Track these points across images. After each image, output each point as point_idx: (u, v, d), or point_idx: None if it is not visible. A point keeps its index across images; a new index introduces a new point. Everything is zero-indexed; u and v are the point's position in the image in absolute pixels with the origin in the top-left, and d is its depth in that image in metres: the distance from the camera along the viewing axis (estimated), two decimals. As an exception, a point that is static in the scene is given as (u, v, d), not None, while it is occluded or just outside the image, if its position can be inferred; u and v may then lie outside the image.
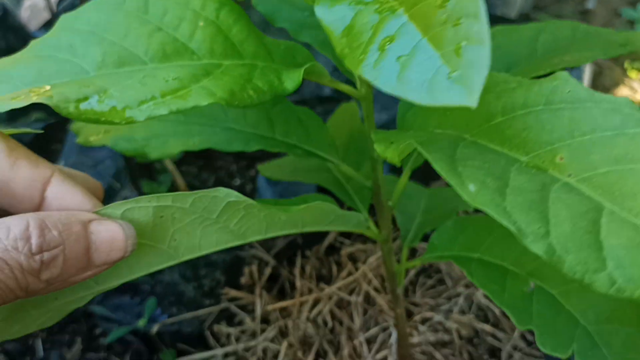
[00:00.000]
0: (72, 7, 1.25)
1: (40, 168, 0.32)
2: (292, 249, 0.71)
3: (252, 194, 0.81)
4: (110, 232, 0.30)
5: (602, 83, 1.25)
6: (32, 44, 0.32)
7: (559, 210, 0.26)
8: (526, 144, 0.31)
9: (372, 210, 0.52)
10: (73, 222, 0.29)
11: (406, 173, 0.48)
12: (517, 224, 0.26)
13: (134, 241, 0.31)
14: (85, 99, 0.30)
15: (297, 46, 0.40)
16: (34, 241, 0.27)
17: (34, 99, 0.29)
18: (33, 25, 1.36)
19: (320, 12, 0.31)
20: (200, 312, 0.68)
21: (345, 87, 0.41)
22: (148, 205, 0.31)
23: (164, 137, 0.47)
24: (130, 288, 0.69)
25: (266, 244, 0.70)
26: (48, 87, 0.30)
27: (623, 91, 1.20)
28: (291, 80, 0.35)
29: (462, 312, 0.65)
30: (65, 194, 0.32)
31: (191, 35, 0.34)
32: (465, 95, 0.23)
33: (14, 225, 0.27)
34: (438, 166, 0.28)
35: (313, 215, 0.37)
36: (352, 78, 0.44)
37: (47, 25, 1.27)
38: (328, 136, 0.47)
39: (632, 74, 1.22)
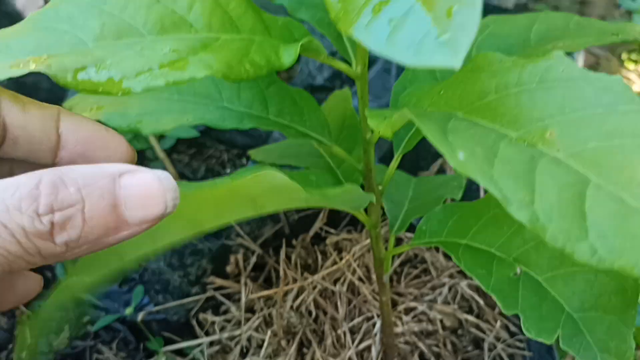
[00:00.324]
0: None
1: (47, 107, 0.32)
2: (278, 238, 0.71)
3: (242, 184, 0.81)
4: (143, 186, 0.26)
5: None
6: (31, 16, 0.32)
7: (545, 180, 0.27)
8: (517, 120, 0.31)
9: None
10: (99, 175, 0.25)
11: (397, 158, 0.48)
12: (503, 192, 0.26)
13: (174, 194, 0.27)
14: (83, 68, 0.30)
15: (294, 22, 0.40)
16: (43, 200, 0.24)
17: (33, 68, 0.29)
18: (28, 11, 1.35)
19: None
20: (186, 300, 0.68)
21: (340, 65, 0.41)
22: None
23: (158, 113, 0.47)
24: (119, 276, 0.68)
25: (253, 233, 0.70)
26: (46, 56, 0.30)
27: (620, 81, 1.20)
28: (288, 55, 0.35)
29: (447, 302, 0.65)
30: (78, 126, 0.32)
31: (189, 8, 0.34)
32: (450, 56, 0.23)
33: (24, 183, 0.24)
34: (429, 134, 0.28)
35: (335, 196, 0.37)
36: (347, 58, 0.44)
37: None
38: (322, 118, 0.47)
39: (629, 64, 1.22)
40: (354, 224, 0.74)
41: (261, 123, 0.46)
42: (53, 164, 0.32)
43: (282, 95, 0.48)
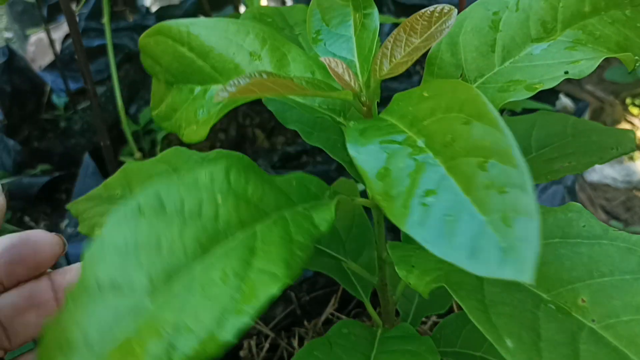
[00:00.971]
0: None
1: None
2: (289, 319, 0.69)
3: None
4: None
5: (603, 119, 1.23)
6: (74, 291, 0.28)
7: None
8: (546, 279, 0.30)
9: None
10: None
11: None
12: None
13: None
14: (173, 347, 0.26)
15: (306, 176, 0.39)
16: None
17: None
18: (39, 60, 1.33)
19: (352, 150, 0.29)
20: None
21: (361, 201, 0.39)
22: None
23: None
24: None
25: (264, 314, 0.68)
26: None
27: (624, 127, 1.19)
28: (324, 221, 0.33)
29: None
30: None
31: (215, 215, 0.32)
32: (519, 271, 0.22)
33: None
34: (474, 317, 0.28)
35: None
36: (363, 183, 0.42)
37: (52, 65, 1.25)
38: (336, 233, 0.46)
39: (634, 110, 1.21)
40: (366, 310, 0.71)
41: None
42: None
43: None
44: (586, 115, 1.01)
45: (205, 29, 0.39)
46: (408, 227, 0.25)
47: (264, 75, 0.31)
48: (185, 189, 0.33)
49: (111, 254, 0.29)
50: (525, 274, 0.21)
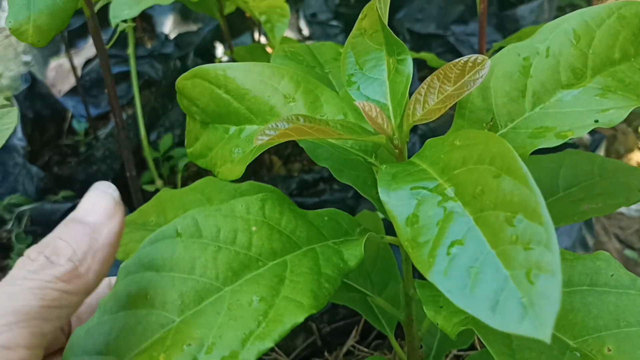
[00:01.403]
0: (97, 73, 1.24)
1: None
2: (310, 349, 0.69)
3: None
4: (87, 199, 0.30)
5: (616, 148, 1.24)
6: (103, 301, 0.30)
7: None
8: (573, 326, 0.31)
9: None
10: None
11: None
12: None
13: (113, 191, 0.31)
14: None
15: (337, 212, 0.40)
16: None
17: None
18: (59, 85, 1.35)
19: (383, 194, 0.31)
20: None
21: (390, 239, 0.40)
22: None
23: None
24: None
25: (285, 344, 0.69)
26: None
27: (637, 156, 1.18)
28: (354, 257, 0.35)
29: None
30: None
31: (249, 243, 0.34)
32: (537, 327, 0.22)
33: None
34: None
35: None
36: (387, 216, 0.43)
37: (73, 91, 1.27)
38: (364, 269, 0.47)
39: None
40: (386, 341, 0.71)
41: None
42: None
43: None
44: (602, 147, 1.02)
45: (241, 73, 0.40)
46: (432, 276, 0.26)
47: (301, 120, 0.32)
48: (222, 217, 0.34)
49: (146, 270, 0.31)
50: (543, 332, 0.22)
